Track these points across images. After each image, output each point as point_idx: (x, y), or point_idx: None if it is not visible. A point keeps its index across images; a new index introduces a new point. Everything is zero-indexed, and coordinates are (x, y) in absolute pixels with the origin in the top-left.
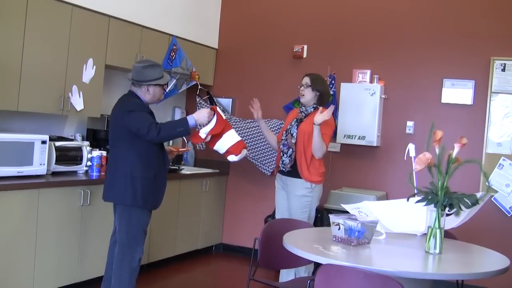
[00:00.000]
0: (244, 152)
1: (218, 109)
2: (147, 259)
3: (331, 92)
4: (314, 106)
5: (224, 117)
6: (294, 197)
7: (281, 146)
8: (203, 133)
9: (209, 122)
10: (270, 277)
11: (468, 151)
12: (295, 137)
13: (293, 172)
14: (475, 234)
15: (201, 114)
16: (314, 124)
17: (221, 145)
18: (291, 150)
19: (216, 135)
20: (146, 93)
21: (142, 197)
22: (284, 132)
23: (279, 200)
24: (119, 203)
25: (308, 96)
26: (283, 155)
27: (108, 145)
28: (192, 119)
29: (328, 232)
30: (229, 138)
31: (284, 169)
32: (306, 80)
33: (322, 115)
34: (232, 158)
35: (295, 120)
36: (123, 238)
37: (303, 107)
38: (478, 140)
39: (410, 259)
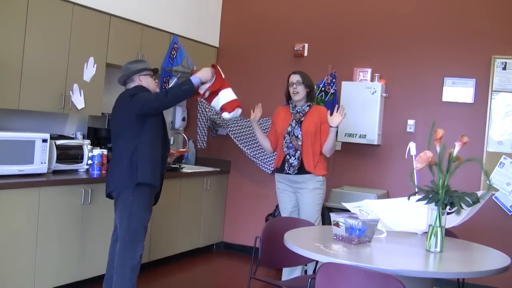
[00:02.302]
0: (239, 111)
1: (218, 67)
2: (148, 257)
3: (332, 91)
4: (309, 104)
5: (223, 76)
6: (307, 192)
7: (286, 149)
8: (202, 88)
9: (212, 79)
10: (271, 275)
11: (469, 149)
12: (301, 138)
13: (301, 169)
14: (476, 232)
15: (205, 72)
16: (331, 126)
17: (217, 102)
18: (298, 152)
19: (214, 93)
20: (141, 84)
21: (142, 172)
22: (287, 135)
23: (285, 202)
24: (119, 188)
25: (302, 93)
26: (290, 157)
27: (109, 144)
28: (196, 78)
29: (329, 231)
30: (225, 95)
31: (291, 172)
32: (297, 78)
33: (338, 118)
34: (225, 115)
35: (294, 121)
36: (124, 234)
37: (298, 107)
38: (479, 138)
39: (411, 257)
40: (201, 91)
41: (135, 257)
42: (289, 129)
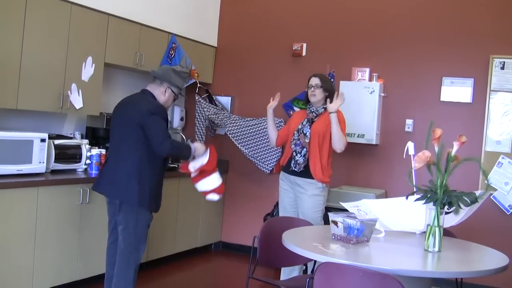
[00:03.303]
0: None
1: (214, 149)
2: (146, 257)
3: None
4: (324, 106)
5: (216, 158)
6: (307, 197)
7: (293, 146)
8: (192, 167)
9: (202, 156)
10: (269, 275)
11: (467, 149)
12: (309, 136)
13: (305, 172)
14: (474, 232)
15: (199, 148)
16: (330, 112)
17: (207, 183)
18: (305, 149)
19: (203, 172)
20: (162, 94)
21: (149, 198)
22: (296, 132)
23: (285, 201)
24: (129, 203)
25: (319, 96)
26: (296, 154)
27: (107, 143)
28: (193, 146)
29: (327, 230)
30: (217, 178)
31: (297, 169)
32: (316, 81)
33: (335, 103)
34: (213, 196)
35: (306, 120)
36: (130, 237)
37: (313, 107)
38: (477, 138)
39: (409, 257)
40: (191, 169)
41: (139, 258)
42: (300, 126)
